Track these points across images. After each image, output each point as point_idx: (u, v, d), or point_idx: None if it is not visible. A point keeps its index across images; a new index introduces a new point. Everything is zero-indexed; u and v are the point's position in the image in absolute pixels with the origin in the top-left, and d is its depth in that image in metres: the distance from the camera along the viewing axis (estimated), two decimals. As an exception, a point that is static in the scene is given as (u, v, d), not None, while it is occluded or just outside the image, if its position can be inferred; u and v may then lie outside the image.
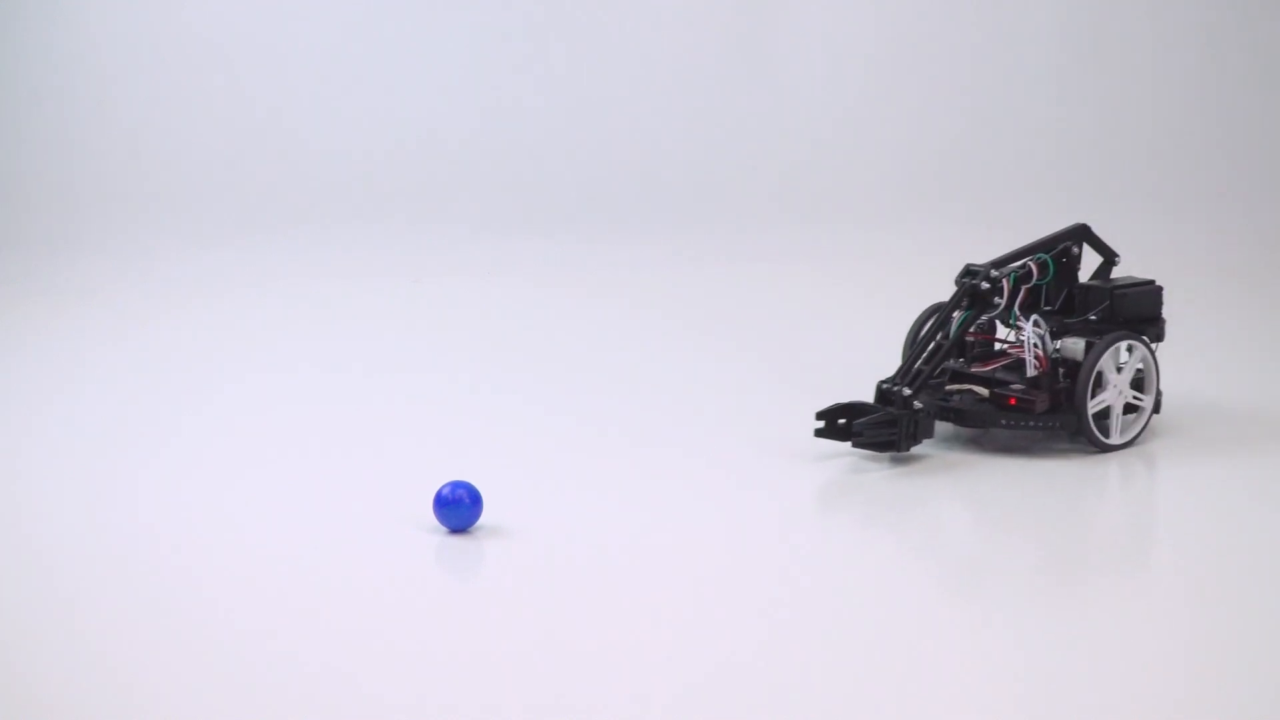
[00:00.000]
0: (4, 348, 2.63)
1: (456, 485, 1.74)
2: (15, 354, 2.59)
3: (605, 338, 2.71)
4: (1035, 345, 1.99)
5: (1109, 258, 2.14)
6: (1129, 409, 2.05)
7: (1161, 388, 2.08)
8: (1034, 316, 2.01)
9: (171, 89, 3.33)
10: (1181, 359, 2.27)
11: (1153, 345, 2.07)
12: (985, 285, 2.01)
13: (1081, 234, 2.11)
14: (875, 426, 1.94)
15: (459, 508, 1.73)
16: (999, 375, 2.04)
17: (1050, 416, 1.99)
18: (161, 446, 2.08)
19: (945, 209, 3.34)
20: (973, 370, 2.06)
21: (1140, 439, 2.05)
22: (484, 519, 1.75)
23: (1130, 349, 2.05)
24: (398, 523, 1.77)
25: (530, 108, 3.37)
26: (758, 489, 1.92)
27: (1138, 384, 2.06)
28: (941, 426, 2.04)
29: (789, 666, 1.45)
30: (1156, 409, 2.07)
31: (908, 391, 1.95)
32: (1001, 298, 2.02)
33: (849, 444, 1.96)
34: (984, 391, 2.03)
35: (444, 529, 1.74)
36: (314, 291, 2.99)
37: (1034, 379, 1.99)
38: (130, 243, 3.16)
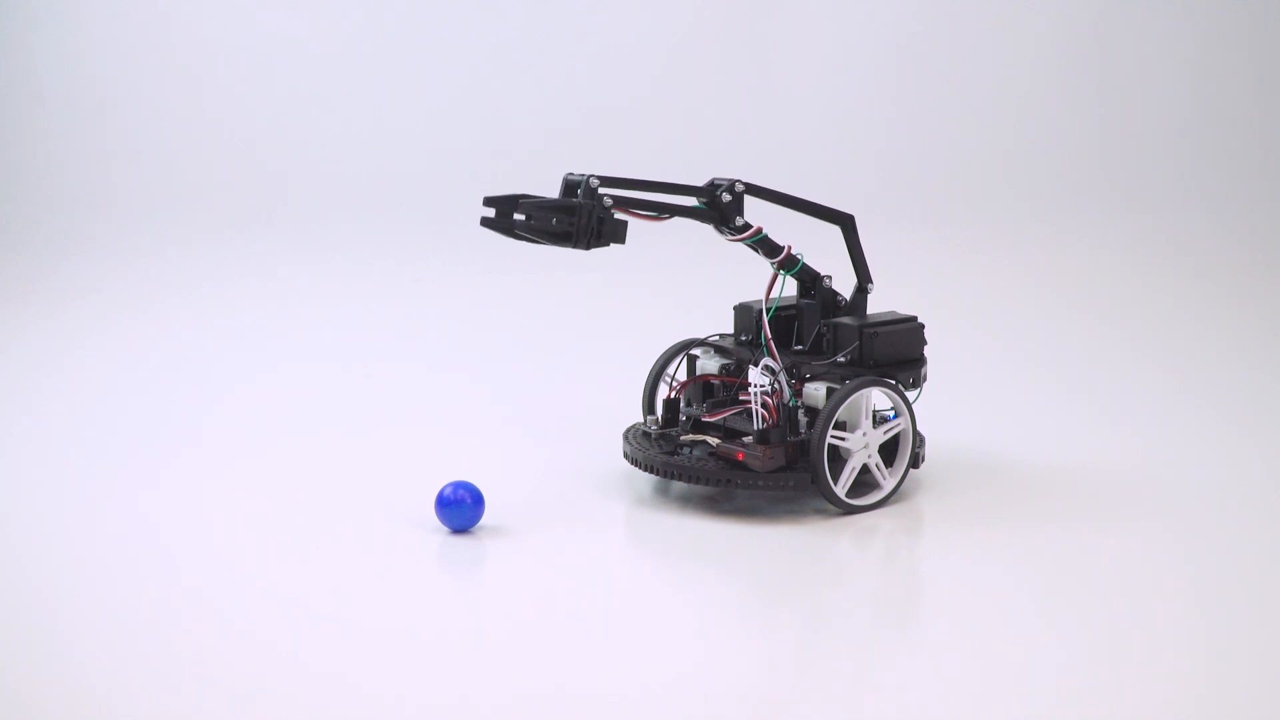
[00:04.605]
0: (4, 347, 2.63)
1: (458, 486, 1.74)
2: (15, 354, 2.59)
3: (606, 338, 2.71)
4: (763, 393, 1.75)
5: (861, 281, 1.87)
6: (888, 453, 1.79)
7: (924, 436, 1.85)
8: (764, 361, 1.78)
9: (171, 90, 3.33)
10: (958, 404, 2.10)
11: (908, 392, 1.81)
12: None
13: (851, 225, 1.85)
14: (549, 210, 1.64)
15: (460, 508, 1.73)
16: (733, 425, 1.80)
17: (784, 475, 1.74)
18: (161, 446, 2.08)
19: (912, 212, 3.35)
20: (705, 419, 1.83)
21: (891, 497, 1.80)
22: (484, 519, 1.75)
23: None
24: (399, 523, 1.77)
25: (528, 110, 3.38)
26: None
27: (893, 443, 1.81)
28: (678, 486, 1.85)
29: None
30: (915, 464, 1.83)
31: (595, 181, 1.68)
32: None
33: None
34: (714, 443, 1.79)
35: (445, 529, 1.74)
36: (314, 291, 2.99)
37: (762, 433, 1.75)
38: (131, 243, 3.16)
